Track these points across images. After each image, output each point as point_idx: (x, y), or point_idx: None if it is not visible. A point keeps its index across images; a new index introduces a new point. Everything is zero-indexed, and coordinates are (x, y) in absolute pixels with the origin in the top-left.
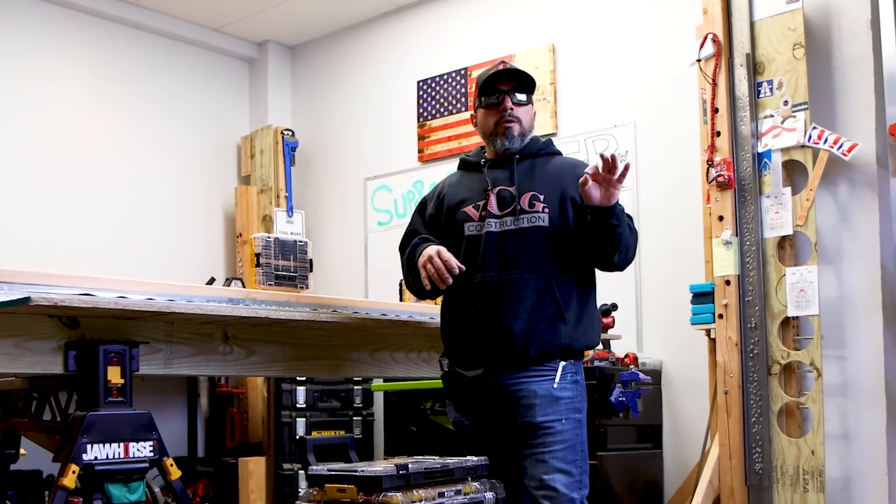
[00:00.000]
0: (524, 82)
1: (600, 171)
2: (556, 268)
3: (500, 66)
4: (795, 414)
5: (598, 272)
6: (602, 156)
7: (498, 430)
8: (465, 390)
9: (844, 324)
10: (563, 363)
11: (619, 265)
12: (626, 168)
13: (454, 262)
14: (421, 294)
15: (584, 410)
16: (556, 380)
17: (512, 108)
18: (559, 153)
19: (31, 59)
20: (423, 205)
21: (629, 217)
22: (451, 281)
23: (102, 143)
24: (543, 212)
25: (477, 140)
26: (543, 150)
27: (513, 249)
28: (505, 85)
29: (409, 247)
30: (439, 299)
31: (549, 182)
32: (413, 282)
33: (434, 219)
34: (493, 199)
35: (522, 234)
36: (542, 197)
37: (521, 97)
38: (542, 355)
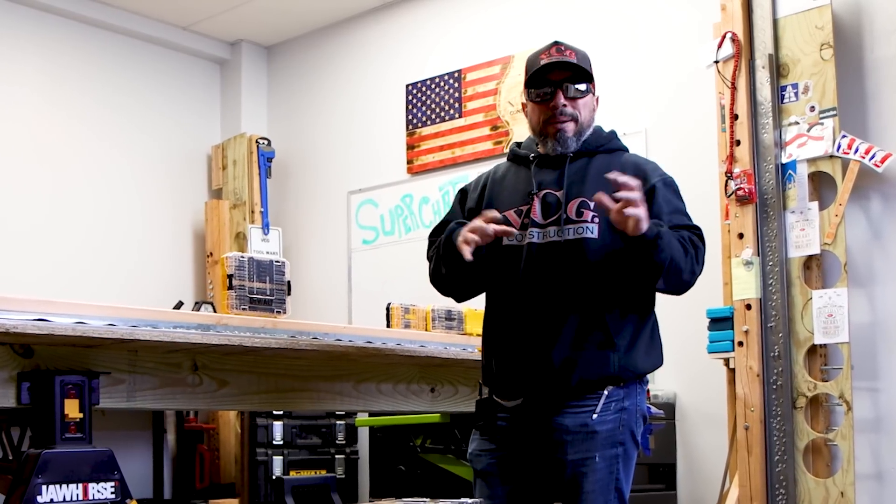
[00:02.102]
0: (580, 70)
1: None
2: (606, 286)
3: (553, 52)
4: (823, 451)
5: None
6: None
7: (529, 467)
8: (500, 420)
9: (877, 352)
10: (609, 388)
11: (668, 291)
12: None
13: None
14: (451, 290)
15: (629, 441)
16: (597, 411)
17: (565, 105)
18: (624, 149)
19: None
20: (462, 195)
21: (693, 229)
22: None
23: (59, 153)
24: (592, 221)
25: (472, 149)
26: (604, 146)
27: (556, 265)
28: (557, 75)
29: (446, 232)
30: (479, 321)
31: (602, 186)
32: (445, 272)
33: (473, 214)
34: (537, 205)
35: (567, 248)
36: (591, 204)
37: (579, 87)
38: (585, 385)
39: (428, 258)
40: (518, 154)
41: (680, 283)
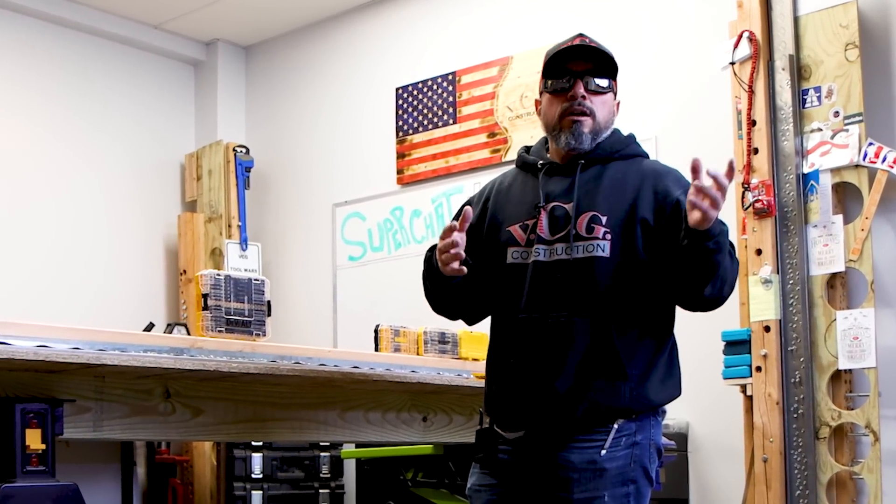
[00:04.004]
0: (605, 63)
1: (708, 187)
2: (618, 310)
3: (577, 41)
4: (848, 486)
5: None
6: (709, 173)
7: None
8: (501, 453)
9: None
10: (620, 422)
11: (710, 301)
12: (731, 171)
13: (451, 234)
14: (455, 313)
15: (641, 478)
16: (606, 446)
17: (584, 97)
18: (643, 155)
19: None
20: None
21: (731, 245)
22: (461, 252)
23: (18, 162)
24: (604, 238)
25: (467, 158)
26: (620, 152)
27: (563, 285)
28: (579, 65)
29: (425, 259)
30: (483, 343)
31: (616, 198)
32: (439, 298)
33: (475, 231)
34: (544, 220)
35: (576, 267)
36: (604, 219)
37: (600, 83)
38: (593, 418)
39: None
40: (526, 161)
41: (721, 295)
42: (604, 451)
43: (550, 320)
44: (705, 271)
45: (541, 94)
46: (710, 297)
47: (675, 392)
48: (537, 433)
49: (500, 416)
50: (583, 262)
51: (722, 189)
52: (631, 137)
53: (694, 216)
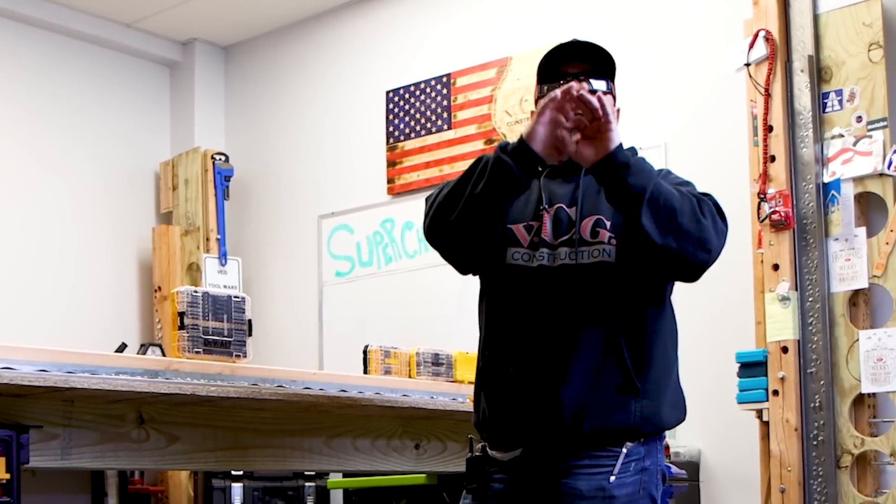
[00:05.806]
0: (602, 63)
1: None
2: (627, 318)
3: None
4: None
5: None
6: (567, 94)
7: None
8: (496, 482)
9: None
10: (628, 446)
11: (655, 235)
12: (602, 100)
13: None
14: (466, 225)
15: None
16: (615, 472)
17: None
18: None
19: None
20: None
21: (687, 183)
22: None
23: None
24: (609, 243)
25: (462, 166)
26: None
27: (568, 291)
28: (574, 67)
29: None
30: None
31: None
32: (475, 203)
33: None
34: (547, 222)
35: (582, 272)
36: (608, 223)
37: (597, 85)
38: (599, 437)
39: (431, 208)
40: None
41: (678, 229)
42: (613, 478)
43: (555, 328)
44: (626, 203)
45: (536, 101)
46: (649, 225)
47: (683, 415)
48: (536, 451)
49: (495, 434)
50: (589, 268)
51: (595, 114)
52: (633, 150)
53: (586, 155)
